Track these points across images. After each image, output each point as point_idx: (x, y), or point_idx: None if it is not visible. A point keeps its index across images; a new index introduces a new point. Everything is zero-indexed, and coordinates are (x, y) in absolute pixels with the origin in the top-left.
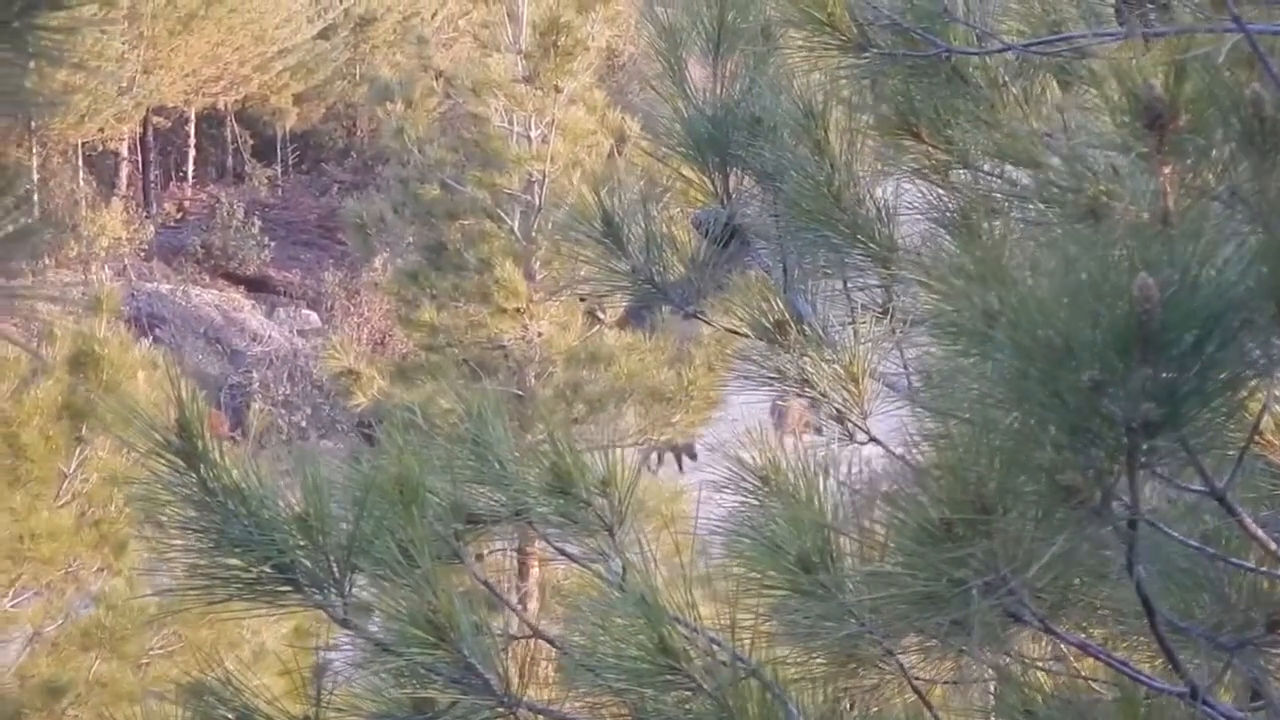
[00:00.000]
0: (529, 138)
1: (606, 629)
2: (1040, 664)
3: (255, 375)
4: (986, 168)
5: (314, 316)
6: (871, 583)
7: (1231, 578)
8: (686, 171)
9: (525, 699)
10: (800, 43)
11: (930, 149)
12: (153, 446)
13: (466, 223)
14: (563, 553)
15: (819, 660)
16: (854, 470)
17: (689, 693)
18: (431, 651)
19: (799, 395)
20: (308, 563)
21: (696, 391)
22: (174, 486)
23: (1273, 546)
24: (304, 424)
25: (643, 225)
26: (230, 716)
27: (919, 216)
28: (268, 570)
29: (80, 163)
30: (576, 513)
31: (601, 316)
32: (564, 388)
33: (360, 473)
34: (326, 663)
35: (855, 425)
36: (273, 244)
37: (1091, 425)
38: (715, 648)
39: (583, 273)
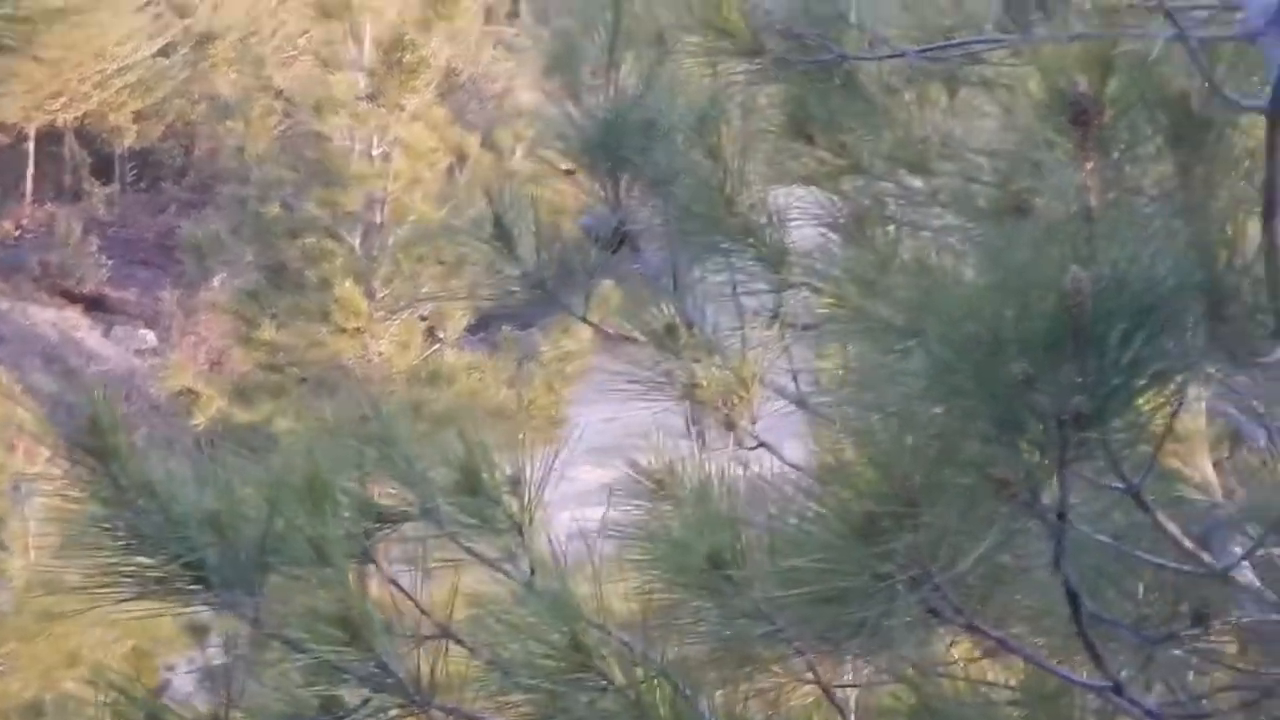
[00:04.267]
0: (371, 155)
1: (517, 627)
2: (944, 666)
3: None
4: (880, 173)
5: (151, 336)
6: (784, 579)
7: (1152, 575)
8: (578, 177)
9: (436, 699)
10: (695, 47)
11: (824, 154)
12: (64, 444)
13: (307, 241)
14: (471, 552)
15: (728, 659)
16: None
17: (600, 692)
18: (343, 649)
19: (685, 400)
20: (219, 561)
21: (537, 410)
22: (85, 484)
23: (1187, 544)
24: (141, 443)
25: (533, 229)
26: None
27: (812, 222)
28: (178, 569)
29: None
30: (485, 512)
31: (441, 335)
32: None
33: (271, 471)
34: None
35: (744, 430)
36: (111, 262)
37: (1021, 419)
38: (626, 647)
39: (472, 277)
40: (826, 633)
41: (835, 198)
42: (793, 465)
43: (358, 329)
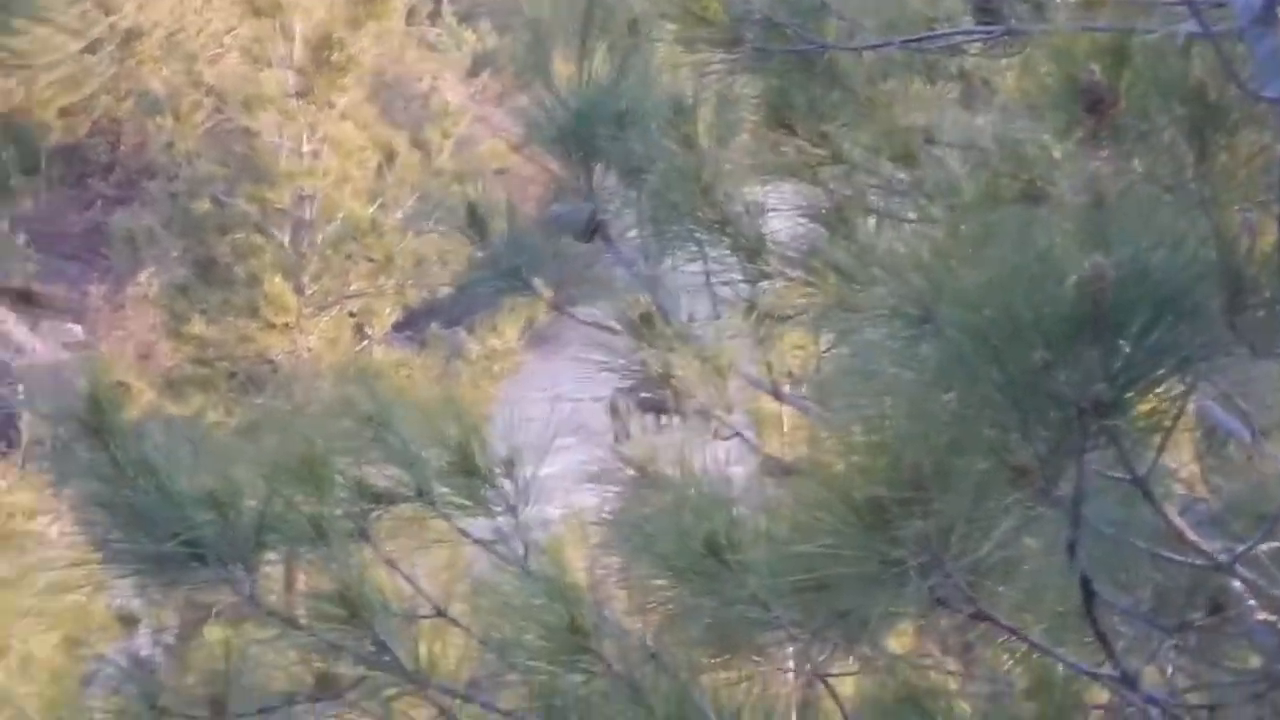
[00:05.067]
0: (300, 153)
1: (515, 609)
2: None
3: (20, 388)
4: (860, 164)
5: (78, 329)
6: (785, 566)
7: (1159, 567)
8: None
9: (434, 678)
10: (672, 36)
11: (804, 144)
12: (65, 422)
13: (237, 237)
14: (465, 534)
15: (721, 644)
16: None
17: (596, 673)
18: (342, 628)
19: (661, 389)
20: (216, 539)
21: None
22: (83, 461)
23: (1191, 536)
24: (67, 437)
25: (507, 217)
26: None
27: (789, 212)
28: (175, 546)
29: None
30: (480, 493)
31: (370, 331)
32: (333, 404)
33: (268, 451)
34: (95, 672)
35: (719, 419)
36: (38, 257)
37: (1040, 405)
38: (622, 631)
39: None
40: (826, 620)
41: (816, 188)
42: (769, 455)
43: (286, 324)
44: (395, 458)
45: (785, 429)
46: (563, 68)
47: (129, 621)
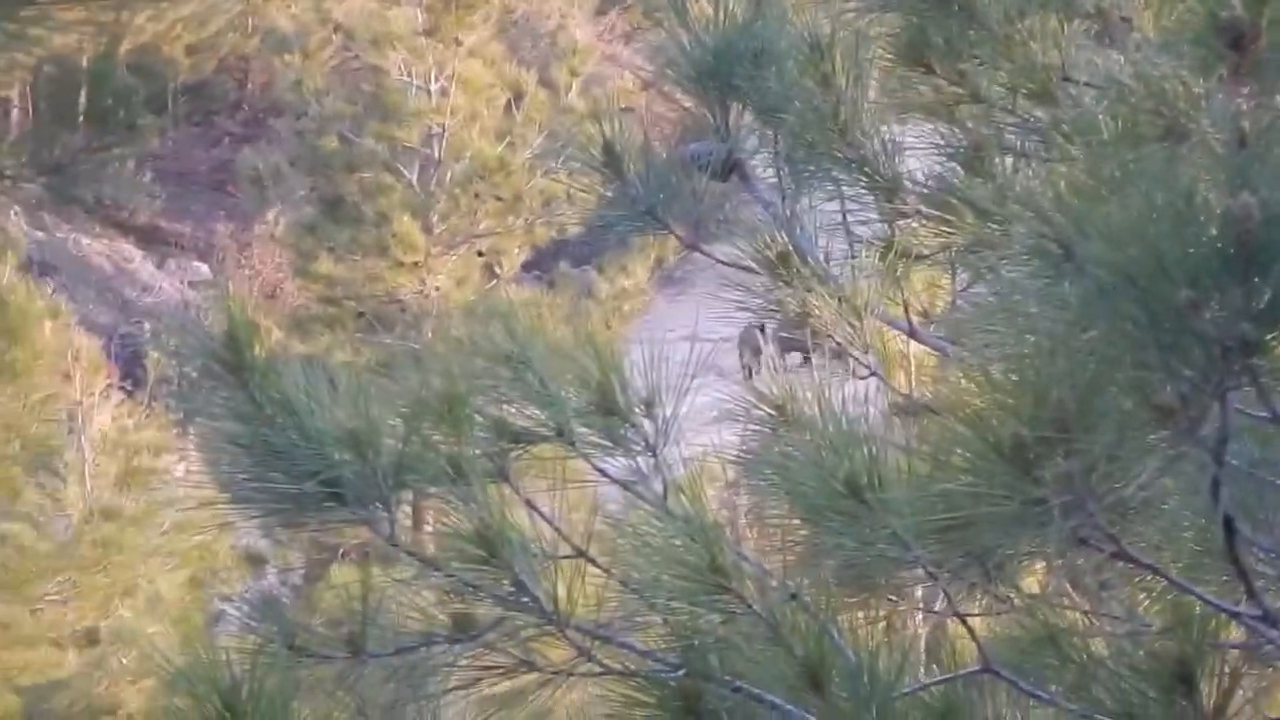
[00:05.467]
0: (428, 91)
1: (654, 548)
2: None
3: (146, 325)
4: (996, 102)
5: (204, 268)
6: (924, 505)
7: None
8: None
9: (573, 619)
10: None
11: (941, 83)
12: (201, 359)
13: (364, 176)
14: (604, 473)
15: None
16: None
17: (735, 613)
18: (481, 568)
19: (799, 328)
20: (355, 478)
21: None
22: (219, 400)
23: None
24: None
25: (643, 155)
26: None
27: (926, 150)
28: (313, 486)
29: None
30: (619, 433)
31: (498, 271)
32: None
33: (408, 389)
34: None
35: (856, 359)
36: (164, 195)
37: (1184, 344)
38: (761, 570)
39: (580, 203)
40: (965, 559)
41: (952, 126)
42: (904, 394)
43: (415, 263)
44: (534, 397)
45: (913, 368)
46: (697, 6)
47: (256, 562)
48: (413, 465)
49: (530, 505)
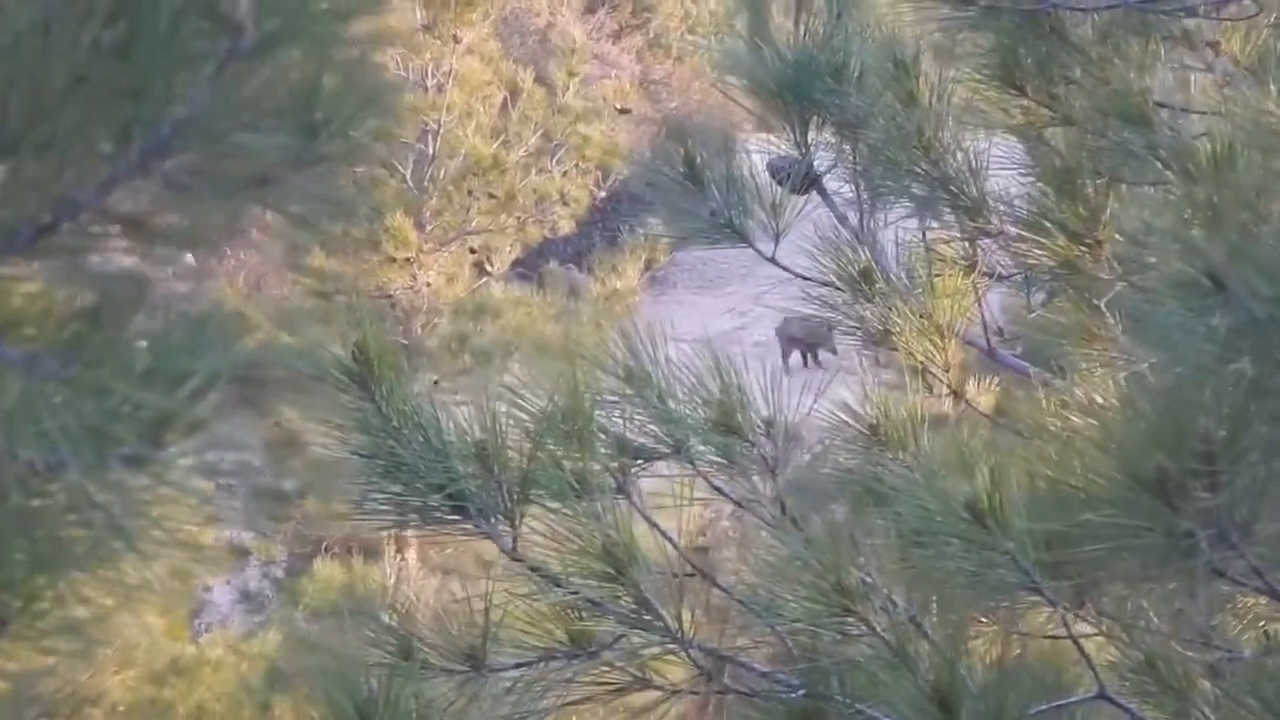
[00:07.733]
0: (425, 87)
1: (778, 570)
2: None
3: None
4: (1089, 126)
5: (188, 257)
6: (1052, 533)
7: None
8: (766, 117)
9: (697, 639)
10: None
11: (1031, 105)
12: (329, 373)
13: (359, 170)
14: (721, 492)
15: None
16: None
17: (859, 635)
18: (605, 585)
19: (879, 346)
20: (480, 492)
21: (584, 347)
22: (348, 412)
23: None
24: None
25: (723, 168)
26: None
27: (1015, 172)
28: (438, 499)
29: None
30: (737, 452)
31: (489, 269)
32: (450, 339)
33: (533, 405)
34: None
35: (937, 378)
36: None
37: None
38: (885, 594)
39: (660, 215)
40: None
41: (1042, 147)
42: (986, 415)
43: (407, 259)
44: (654, 414)
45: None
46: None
47: (239, 554)
48: (537, 480)
49: (652, 522)
